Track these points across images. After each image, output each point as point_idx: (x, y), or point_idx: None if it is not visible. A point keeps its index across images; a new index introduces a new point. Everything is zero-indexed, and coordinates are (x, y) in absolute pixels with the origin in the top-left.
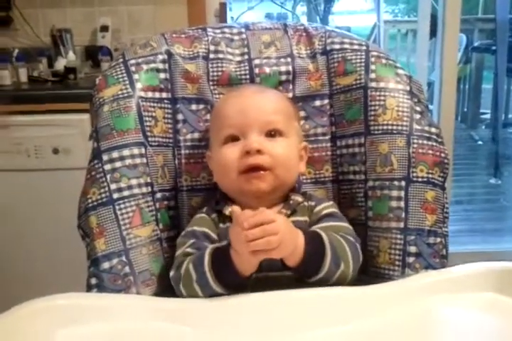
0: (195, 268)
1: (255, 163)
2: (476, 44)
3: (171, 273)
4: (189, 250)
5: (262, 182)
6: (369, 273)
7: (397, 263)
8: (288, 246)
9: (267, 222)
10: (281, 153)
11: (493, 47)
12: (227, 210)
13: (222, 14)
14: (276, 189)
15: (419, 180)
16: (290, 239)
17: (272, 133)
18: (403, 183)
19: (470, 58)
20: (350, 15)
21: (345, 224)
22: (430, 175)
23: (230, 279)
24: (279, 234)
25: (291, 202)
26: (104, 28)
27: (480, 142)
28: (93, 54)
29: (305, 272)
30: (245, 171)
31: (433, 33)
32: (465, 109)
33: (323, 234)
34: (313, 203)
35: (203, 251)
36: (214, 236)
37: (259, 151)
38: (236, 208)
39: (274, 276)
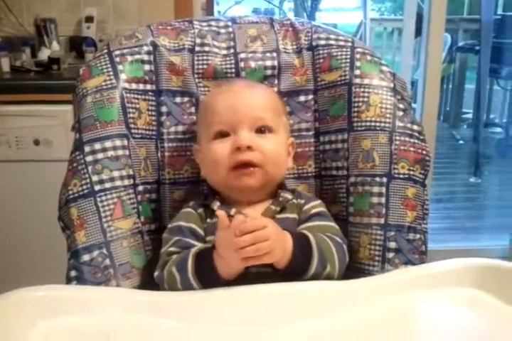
0: (179, 271)
1: (246, 160)
2: (460, 44)
3: (156, 273)
4: (173, 249)
5: (252, 178)
6: (349, 268)
7: (376, 258)
8: (278, 252)
9: (258, 229)
10: (271, 150)
11: (477, 48)
12: (216, 205)
13: (209, 7)
14: (265, 185)
15: (401, 176)
16: (280, 244)
17: (262, 130)
18: (384, 179)
19: (454, 58)
20: (336, 12)
21: (333, 224)
22: (411, 172)
23: (213, 283)
24: (270, 240)
25: (280, 199)
26: (89, 19)
27: (461, 141)
28: (77, 45)
29: (292, 274)
30: (235, 167)
31: (418, 31)
32: (447, 108)
33: (311, 236)
34: (302, 201)
35: (186, 255)
36: (200, 231)
37: (249, 148)
38: (221, 213)
39: (255, 272)
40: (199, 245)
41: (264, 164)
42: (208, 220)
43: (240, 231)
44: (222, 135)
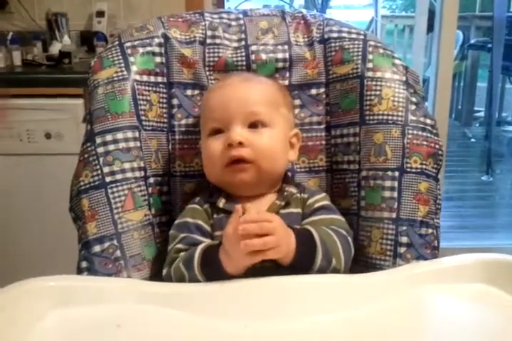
0: (186, 268)
1: (237, 155)
2: (472, 41)
3: (164, 271)
4: (180, 246)
5: (245, 173)
6: (360, 262)
7: (388, 253)
8: (283, 248)
9: (264, 221)
10: (264, 145)
11: (489, 45)
12: (221, 202)
13: (219, 3)
14: (262, 179)
15: (413, 170)
16: (285, 241)
17: (255, 124)
18: (397, 174)
19: (466, 55)
20: (347, 9)
21: (338, 217)
22: (424, 166)
23: (220, 279)
24: (276, 235)
25: (285, 193)
26: (100, 14)
27: (473, 139)
28: (88, 39)
29: (297, 270)
30: (229, 164)
31: (430, 28)
32: (459, 107)
33: (314, 232)
34: (306, 195)
35: (193, 251)
36: (207, 227)
37: (241, 143)
38: (238, 207)
39: (259, 268)
40: (206, 241)
41: (257, 159)
42: (215, 216)
43: (245, 220)
44: (216, 131)
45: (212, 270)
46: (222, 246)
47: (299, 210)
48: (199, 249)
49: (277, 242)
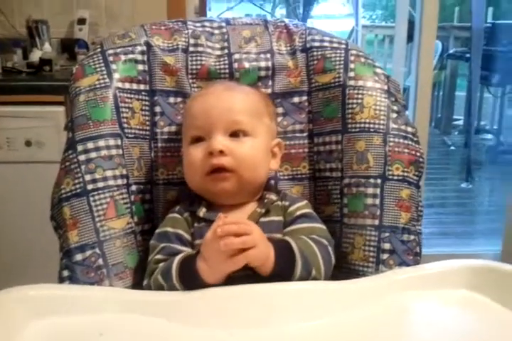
0: (164, 279)
1: (218, 164)
2: (451, 51)
3: (145, 282)
4: (159, 257)
5: (226, 182)
6: (342, 269)
7: (371, 259)
8: (262, 253)
9: (243, 223)
10: (245, 154)
11: (468, 55)
12: (202, 211)
13: (202, 11)
14: (243, 189)
15: (395, 178)
16: (264, 247)
17: (236, 133)
18: (379, 181)
19: (445, 65)
20: (328, 19)
21: (319, 225)
22: (405, 174)
23: (199, 288)
24: (254, 235)
25: (265, 200)
26: (82, 21)
27: (452, 147)
28: (69, 47)
29: (276, 280)
30: (209, 172)
31: (409, 38)
32: (439, 115)
33: (292, 242)
34: (287, 203)
35: (171, 262)
36: (187, 236)
37: (222, 152)
38: (221, 215)
39: (239, 277)
40: (186, 250)
41: (238, 168)
42: (195, 224)
43: (224, 222)
44: (198, 139)
45: (191, 280)
46: (201, 254)
47: (280, 218)
48: (176, 259)
49: (255, 241)
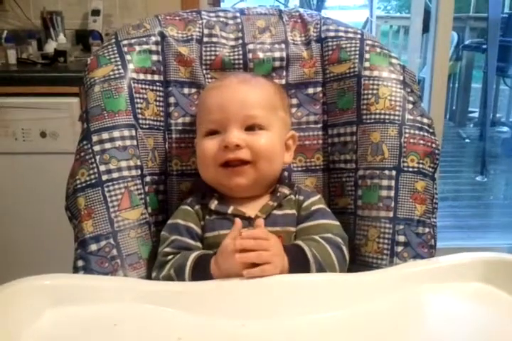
0: (178, 276)
1: (235, 158)
2: (467, 42)
3: (153, 274)
4: (169, 250)
5: (242, 177)
6: (356, 261)
7: (385, 252)
8: (277, 264)
9: (261, 238)
10: (261, 146)
11: (484, 46)
12: (213, 204)
13: (215, 1)
14: (257, 182)
15: (410, 170)
16: (279, 261)
17: (252, 127)
18: (394, 173)
19: (461, 56)
20: (342, 10)
21: (334, 222)
22: (421, 165)
23: None
24: (271, 252)
25: (278, 194)
26: (96, 12)
27: (467, 140)
28: (84, 38)
29: None
30: (225, 164)
31: (425, 28)
32: (453, 107)
33: (307, 250)
34: (301, 197)
35: (185, 260)
36: (198, 230)
37: (237, 146)
38: (238, 221)
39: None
40: (195, 244)
41: (255, 160)
42: (207, 217)
43: (245, 235)
44: (212, 133)
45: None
46: (216, 258)
47: (294, 212)
48: (191, 258)
49: (271, 257)
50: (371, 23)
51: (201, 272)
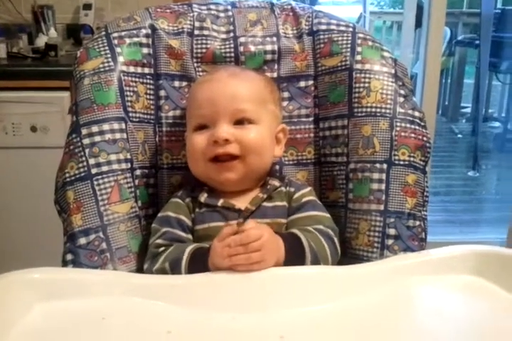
0: (173, 270)
1: (224, 152)
2: (459, 38)
3: (145, 266)
4: (160, 241)
5: (231, 172)
6: (347, 254)
7: (375, 245)
8: (269, 261)
9: (253, 240)
10: (250, 140)
11: (477, 42)
12: (203, 197)
13: None
14: (246, 176)
15: (401, 163)
16: (272, 254)
17: (241, 121)
18: (385, 166)
19: (453, 52)
20: (336, 5)
21: (325, 214)
22: (412, 159)
23: None
24: (263, 250)
25: (268, 186)
26: (87, 6)
27: (460, 135)
28: (75, 32)
29: None
30: (214, 159)
31: (418, 24)
32: (446, 103)
33: (303, 238)
34: (292, 189)
35: (181, 253)
36: (188, 222)
37: (227, 141)
38: (228, 227)
39: None
40: (186, 236)
41: (245, 154)
42: (197, 210)
43: (235, 243)
44: (202, 127)
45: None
46: (209, 258)
47: (284, 203)
48: (187, 252)
49: (262, 257)
50: (364, 18)
51: (198, 266)
